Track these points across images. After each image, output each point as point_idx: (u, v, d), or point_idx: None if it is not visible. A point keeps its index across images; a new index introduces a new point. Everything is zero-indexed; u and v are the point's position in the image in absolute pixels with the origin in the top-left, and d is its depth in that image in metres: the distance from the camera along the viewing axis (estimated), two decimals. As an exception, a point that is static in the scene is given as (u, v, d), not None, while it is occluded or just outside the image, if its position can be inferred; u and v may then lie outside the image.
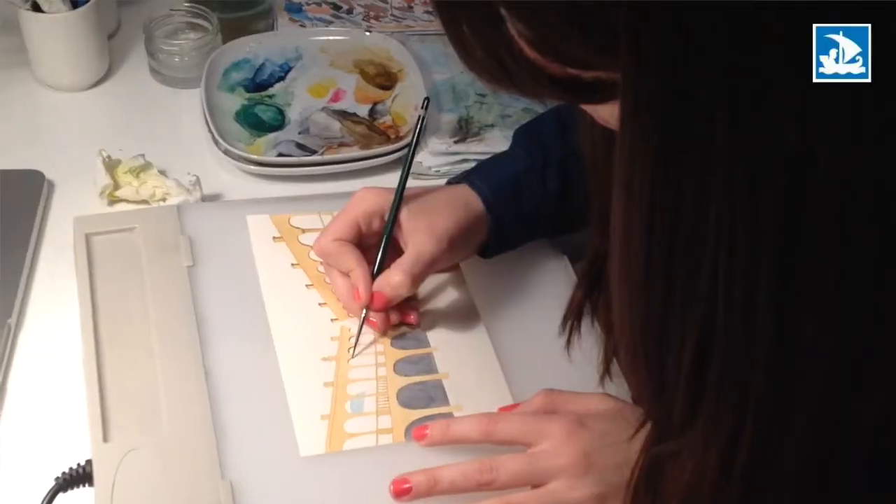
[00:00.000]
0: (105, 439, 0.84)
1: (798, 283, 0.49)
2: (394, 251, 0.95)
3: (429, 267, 0.93)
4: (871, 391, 0.53)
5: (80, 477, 0.83)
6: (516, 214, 0.97)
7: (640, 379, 0.57)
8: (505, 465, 0.80)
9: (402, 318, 0.96)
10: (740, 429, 0.54)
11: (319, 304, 0.96)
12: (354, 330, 0.93)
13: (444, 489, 0.80)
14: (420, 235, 0.93)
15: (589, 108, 0.61)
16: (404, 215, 0.94)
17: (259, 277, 0.97)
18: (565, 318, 0.86)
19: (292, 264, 0.99)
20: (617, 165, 0.52)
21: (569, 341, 0.86)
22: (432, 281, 0.99)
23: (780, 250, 0.49)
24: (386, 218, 0.94)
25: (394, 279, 0.91)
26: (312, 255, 0.99)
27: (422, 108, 1.02)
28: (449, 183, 1.03)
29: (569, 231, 1.02)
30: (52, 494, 0.82)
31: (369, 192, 0.96)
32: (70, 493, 0.83)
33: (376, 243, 0.95)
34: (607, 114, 0.58)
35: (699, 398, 0.54)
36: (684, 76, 0.47)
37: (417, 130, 1.00)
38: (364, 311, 0.93)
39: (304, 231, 1.02)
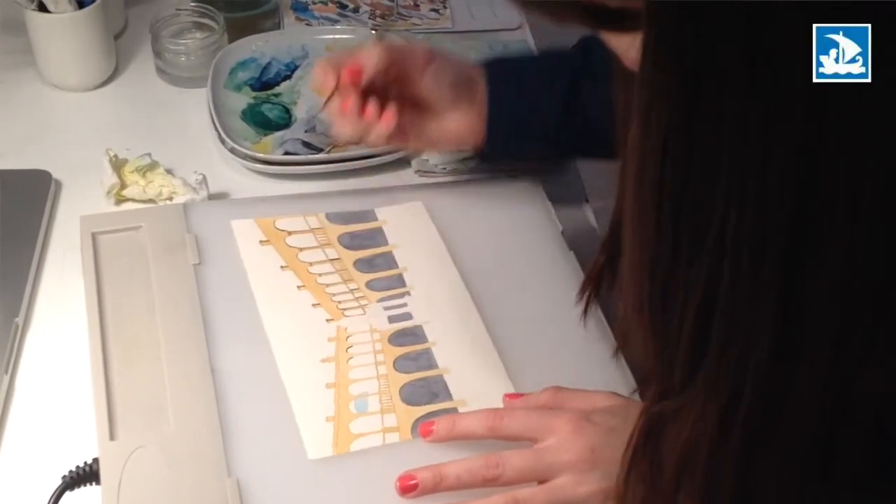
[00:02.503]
0: (112, 437, 0.84)
1: (808, 242, 0.49)
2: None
3: (411, 56, 0.99)
4: (879, 362, 0.53)
5: (86, 475, 0.83)
6: (515, 101, 1.00)
7: (644, 333, 0.57)
8: (511, 460, 0.80)
9: (378, 113, 0.97)
10: (741, 388, 0.53)
11: (313, 305, 0.96)
12: (351, 329, 0.93)
13: (450, 485, 0.80)
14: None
15: (618, 49, 0.60)
16: None
17: (249, 282, 0.97)
18: (584, 286, 0.84)
19: (281, 267, 0.99)
20: (635, 106, 0.51)
21: (585, 310, 0.85)
22: (425, 273, 0.99)
23: (792, 204, 0.48)
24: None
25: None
26: (301, 256, 0.99)
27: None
28: None
29: (556, 160, 1.08)
30: (59, 493, 0.83)
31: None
32: (77, 491, 0.83)
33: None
34: (634, 52, 0.57)
35: (701, 355, 0.54)
36: (700, 10, 0.46)
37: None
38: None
39: (290, 233, 1.02)
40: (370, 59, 0.98)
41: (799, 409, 0.54)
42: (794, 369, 0.52)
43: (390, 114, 0.97)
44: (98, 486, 0.82)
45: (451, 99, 1.01)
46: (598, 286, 0.83)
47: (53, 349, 0.99)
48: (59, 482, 0.83)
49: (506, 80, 1.02)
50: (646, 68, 0.50)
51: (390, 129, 0.98)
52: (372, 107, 0.97)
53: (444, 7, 1.43)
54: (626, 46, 0.58)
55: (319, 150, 1.20)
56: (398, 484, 0.81)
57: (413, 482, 0.80)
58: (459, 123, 1.02)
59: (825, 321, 0.51)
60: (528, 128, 1.02)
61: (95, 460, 0.83)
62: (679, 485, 0.60)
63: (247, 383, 0.89)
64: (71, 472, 0.83)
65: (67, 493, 0.83)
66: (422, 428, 0.85)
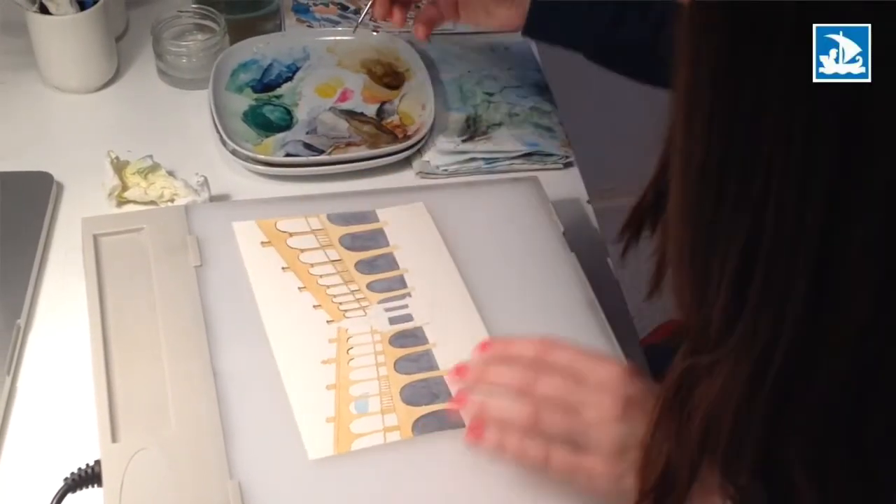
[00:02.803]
0: (114, 439, 0.84)
1: (850, 198, 0.49)
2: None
3: None
4: None
5: (88, 477, 0.83)
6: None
7: (683, 282, 0.57)
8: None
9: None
10: (775, 343, 0.53)
11: (314, 307, 0.96)
12: (352, 330, 0.93)
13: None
14: None
15: None
16: None
17: (251, 284, 0.97)
18: (625, 226, 0.82)
19: (283, 268, 0.99)
20: (685, 44, 0.51)
21: (625, 251, 0.83)
22: (426, 274, 0.99)
23: (836, 161, 0.48)
24: None
25: None
26: (302, 257, 0.99)
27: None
28: None
29: (603, 60, 1.15)
30: (61, 495, 0.83)
31: None
32: (79, 493, 0.83)
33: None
34: None
35: (740, 306, 0.54)
36: None
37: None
38: None
39: (291, 235, 1.02)
40: None
41: (829, 371, 0.54)
42: (829, 327, 0.52)
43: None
44: (100, 488, 0.82)
45: None
46: (640, 227, 0.81)
47: (55, 351, 0.99)
48: (61, 484, 0.83)
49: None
50: (696, 11, 0.50)
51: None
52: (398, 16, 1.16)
53: (446, 8, 1.43)
54: None
55: (321, 152, 1.20)
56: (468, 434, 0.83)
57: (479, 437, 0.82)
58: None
59: (861, 281, 0.51)
60: (577, 14, 1.10)
61: (97, 462, 0.83)
62: (704, 444, 0.59)
63: (248, 385, 0.89)
64: (73, 474, 0.83)
65: (69, 496, 0.83)
66: (482, 345, 0.88)
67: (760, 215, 0.51)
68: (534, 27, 1.15)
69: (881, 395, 0.55)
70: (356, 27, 1.29)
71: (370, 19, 1.26)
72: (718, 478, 0.62)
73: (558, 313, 0.95)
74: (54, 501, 0.82)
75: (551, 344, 0.84)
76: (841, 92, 0.47)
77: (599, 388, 0.79)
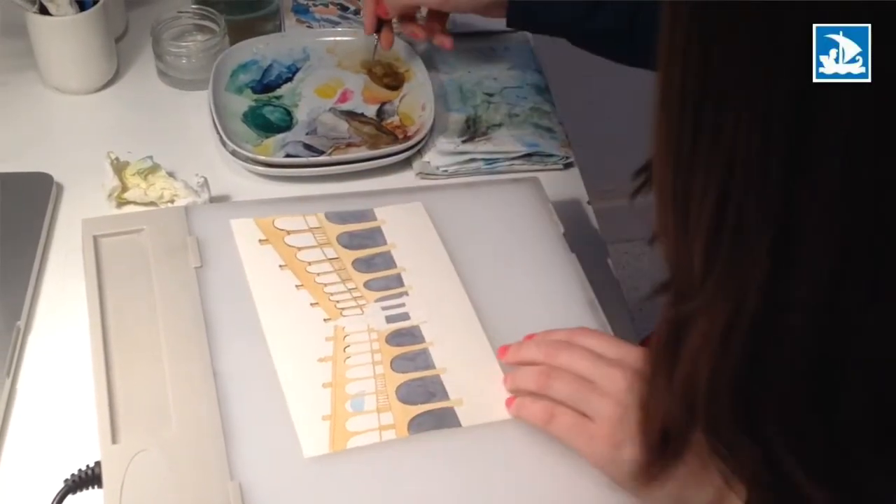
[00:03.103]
0: (114, 441, 0.84)
1: (809, 148, 0.49)
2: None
3: None
4: (878, 309, 0.53)
5: (89, 479, 0.83)
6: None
7: (667, 226, 0.57)
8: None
9: (429, 33, 1.25)
10: (746, 292, 0.54)
11: (311, 305, 0.96)
12: (349, 329, 0.94)
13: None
14: None
15: None
16: None
17: (248, 281, 0.97)
18: (641, 169, 0.84)
19: (280, 266, 0.99)
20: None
21: (637, 191, 0.85)
22: (423, 273, 0.99)
23: (792, 127, 0.49)
24: None
25: None
26: (299, 255, 0.99)
27: None
28: None
29: (585, 45, 1.20)
30: (62, 496, 0.83)
31: None
32: (79, 494, 0.83)
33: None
34: None
35: (716, 252, 0.54)
36: None
37: None
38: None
39: (288, 233, 1.02)
40: None
41: (797, 329, 0.54)
42: (794, 291, 0.52)
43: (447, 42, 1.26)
44: (100, 490, 0.82)
45: None
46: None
47: (55, 352, 0.99)
48: (61, 486, 0.83)
49: None
50: None
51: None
52: (422, 32, 1.26)
53: (445, 8, 1.43)
54: None
55: (321, 153, 1.20)
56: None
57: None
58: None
59: (824, 235, 0.51)
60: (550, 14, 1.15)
61: (97, 464, 0.83)
62: (686, 398, 0.60)
63: (249, 386, 0.89)
64: (73, 475, 0.83)
65: (70, 497, 0.83)
66: (500, 350, 0.92)
67: (732, 156, 0.52)
68: (516, 16, 1.20)
69: (854, 363, 0.55)
70: (374, 55, 1.33)
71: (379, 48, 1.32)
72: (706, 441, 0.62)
73: (558, 314, 0.95)
74: (54, 503, 0.82)
75: (581, 331, 0.89)
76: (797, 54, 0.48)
77: (614, 364, 0.84)
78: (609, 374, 0.83)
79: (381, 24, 1.28)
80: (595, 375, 0.84)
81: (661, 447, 0.68)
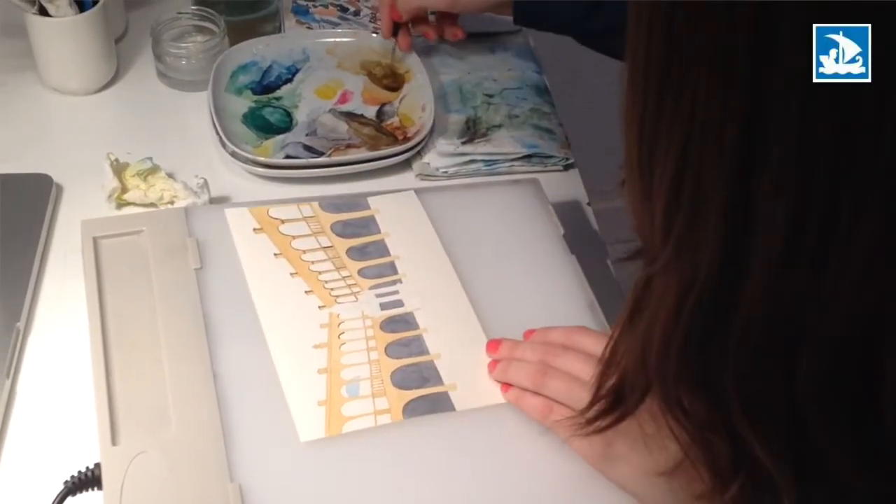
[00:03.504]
0: (114, 442, 0.84)
1: (764, 117, 0.49)
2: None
3: None
4: (826, 268, 0.52)
5: (88, 480, 0.83)
6: None
7: (633, 186, 0.58)
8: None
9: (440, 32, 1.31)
10: (701, 257, 0.54)
11: (306, 292, 0.96)
12: (343, 316, 0.95)
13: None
14: None
15: None
16: None
17: (243, 270, 0.97)
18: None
19: (275, 254, 0.99)
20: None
21: (623, 182, 0.87)
22: (417, 261, 1.00)
23: (747, 101, 0.49)
24: None
25: None
26: (294, 244, 0.99)
27: None
28: None
29: (589, 43, 1.21)
30: (62, 498, 0.83)
31: None
32: (79, 496, 0.83)
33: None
34: None
35: (675, 214, 0.55)
36: None
37: None
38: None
39: (283, 222, 1.02)
40: None
41: (749, 306, 0.54)
42: (747, 259, 0.52)
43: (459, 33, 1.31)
44: (100, 492, 0.82)
45: None
46: None
47: (55, 354, 0.99)
48: (61, 487, 0.83)
49: None
50: None
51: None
52: (433, 33, 1.31)
53: (445, 9, 1.43)
54: None
55: (321, 154, 1.20)
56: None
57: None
58: None
59: (773, 220, 0.51)
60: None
61: (97, 465, 0.83)
62: (643, 358, 0.60)
63: (249, 387, 0.89)
64: (73, 477, 0.83)
65: (70, 499, 0.83)
66: (489, 344, 0.93)
67: (692, 121, 0.52)
68: (522, 15, 1.23)
69: (807, 338, 0.55)
70: (393, 58, 1.34)
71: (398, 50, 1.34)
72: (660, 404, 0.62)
73: (558, 314, 0.95)
74: (54, 504, 0.83)
75: (579, 330, 0.90)
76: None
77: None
78: None
79: (397, 28, 1.30)
80: (591, 375, 0.84)
81: (613, 402, 0.68)
